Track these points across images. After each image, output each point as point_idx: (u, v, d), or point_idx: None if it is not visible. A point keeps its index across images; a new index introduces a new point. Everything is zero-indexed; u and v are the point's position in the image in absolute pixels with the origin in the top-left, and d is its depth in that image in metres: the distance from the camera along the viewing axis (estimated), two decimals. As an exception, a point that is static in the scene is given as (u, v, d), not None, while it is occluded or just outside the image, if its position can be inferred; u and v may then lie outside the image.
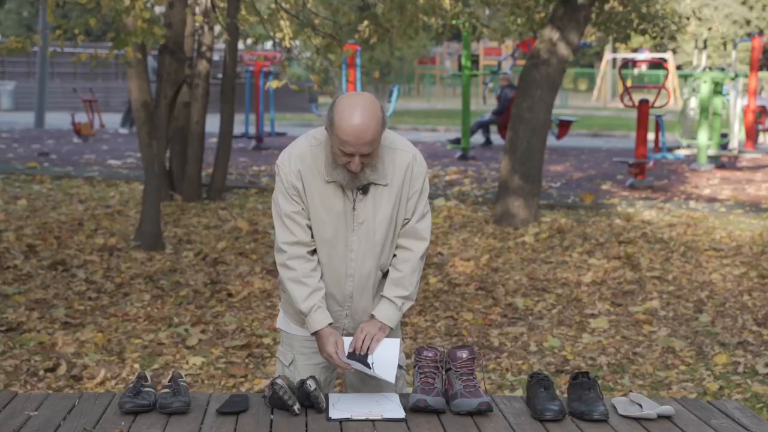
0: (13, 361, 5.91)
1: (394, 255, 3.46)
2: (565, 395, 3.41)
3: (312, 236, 3.39)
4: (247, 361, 6.10)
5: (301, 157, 3.35)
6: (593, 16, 11.29)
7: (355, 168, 3.23)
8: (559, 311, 7.38)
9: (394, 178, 3.36)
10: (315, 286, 3.37)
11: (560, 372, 5.96)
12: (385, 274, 3.48)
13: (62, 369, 5.78)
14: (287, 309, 3.56)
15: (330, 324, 3.36)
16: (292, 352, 3.55)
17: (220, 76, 15.07)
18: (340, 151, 3.22)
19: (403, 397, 3.37)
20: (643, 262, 8.92)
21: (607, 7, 11.47)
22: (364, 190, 3.34)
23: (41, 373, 5.74)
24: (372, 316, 3.43)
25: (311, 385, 3.23)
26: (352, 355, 3.33)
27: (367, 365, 3.31)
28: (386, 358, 3.35)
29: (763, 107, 20.81)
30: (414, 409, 3.25)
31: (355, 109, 3.19)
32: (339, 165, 3.27)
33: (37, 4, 31.41)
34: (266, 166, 15.93)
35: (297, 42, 11.41)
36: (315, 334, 3.38)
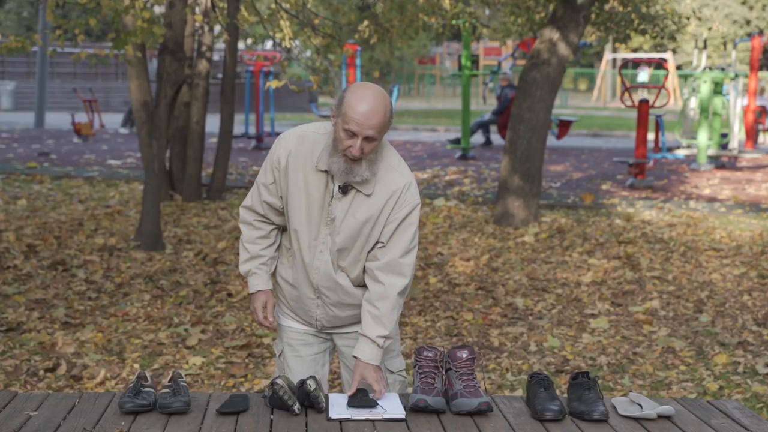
0: (13, 361, 5.90)
1: (374, 291, 3.39)
2: (565, 395, 3.41)
3: (268, 212, 3.48)
4: (247, 361, 6.10)
5: (301, 138, 3.40)
6: (593, 16, 11.29)
7: (355, 152, 3.23)
8: (559, 311, 7.38)
9: (379, 194, 3.35)
10: (255, 252, 3.51)
11: (560, 372, 5.96)
12: (359, 286, 3.46)
13: (62, 369, 5.78)
14: (278, 299, 3.64)
15: (268, 290, 3.51)
16: (282, 342, 3.62)
17: (220, 76, 15.08)
18: (344, 133, 3.24)
19: (403, 397, 3.37)
20: (643, 262, 8.92)
21: (607, 7, 11.47)
22: (344, 190, 3.34)
23: (41, 373, 5.74)
24: (356, 359, 3.40)
25: (311, 385, 3.23)
26: (353, 402, 3.28)
27: (371, 405, 3.25)
28: (390, 403, 3.32)
29: (763, 107, 20.81)
30: (414, 409, 3.25)
31: (367, 92, 3.26)
32: (339, 152, 3.27)
33: (37, 4, 31.40)
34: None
35: (297, 42, 11.40)
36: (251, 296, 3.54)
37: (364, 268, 3.43)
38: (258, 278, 3.51)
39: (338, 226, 3.37)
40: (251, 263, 3.52)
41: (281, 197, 3.43)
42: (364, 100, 3.22)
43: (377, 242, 3.39)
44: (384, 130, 3.28)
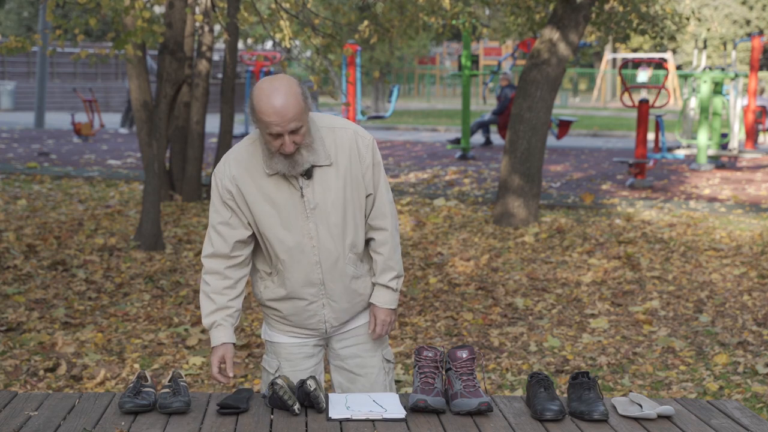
0: (13, 361, 5.91)
1: (373, 239, 3.45)
2: (565, 395, 3.41)
3: (237, 249, 3.37)
4: (246, 361, 6.10)
5: (236, 160, 3.36)
6: (593, 16, 11.29)
7: (288, 149, 3.21)
8: (559, 311, 7.38)
9: (338, 157, 3.34)
10: (222, 304, 3.40)
11: (560, 372, 5.96)
12: (362, 255, 3.47)
13: (62, 369, 5.78)
14: (269, 319, 3.57)
15: (231, 343, 3.41)
16: (278, 359, 3.55)
17: (220, 76, 15.08)
18: (270, 136, 3.21)
19: (403, 397, 3.37)
20: (643, 262, 8.92)
21: (607, 7, 11.48)
22: (308, 174, 3.32)
23: (41, 373, 5.74)
24: (372, 305, 3.48)
25: (311, 385, 3.23)
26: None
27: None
28: (390, 403, 3.33)
29: (763, 107, 20.81)
30: (414, 409, 3.25)
31: (273, 89, 3.19)
32: (274, 153, 3.25)
33: (37, 4, 31.41)
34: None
35: (297, 42, 11.40)
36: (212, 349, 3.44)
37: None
38: (223, 330, 3.40)
39: (326, 209, 3.33)
40: (218, 314, 3.40)
41: (249, 224, 3.37)
42: (272, 100, 3.16)
43: (367, 196, 3.40)
44: (305, 114, 3.22)
